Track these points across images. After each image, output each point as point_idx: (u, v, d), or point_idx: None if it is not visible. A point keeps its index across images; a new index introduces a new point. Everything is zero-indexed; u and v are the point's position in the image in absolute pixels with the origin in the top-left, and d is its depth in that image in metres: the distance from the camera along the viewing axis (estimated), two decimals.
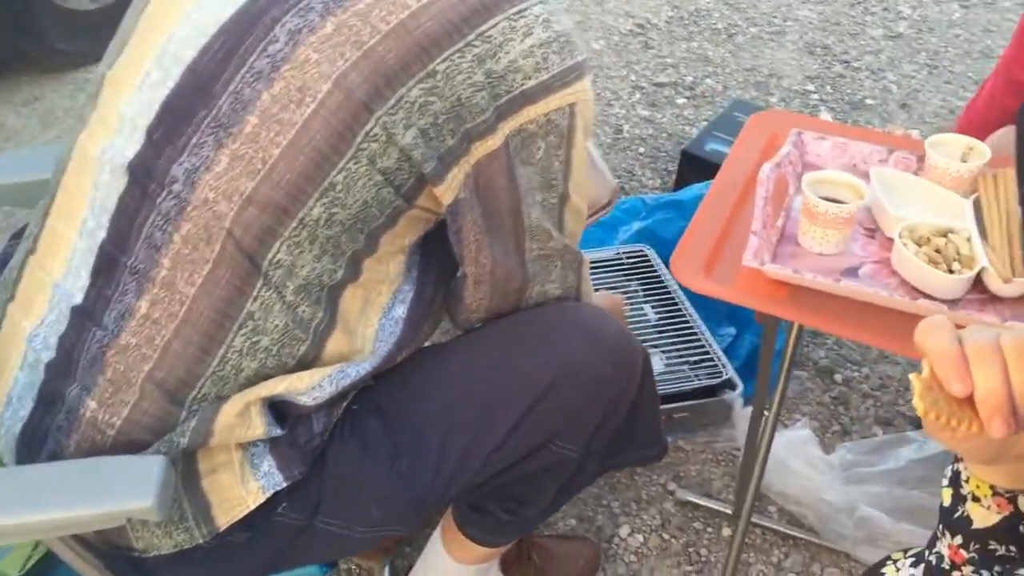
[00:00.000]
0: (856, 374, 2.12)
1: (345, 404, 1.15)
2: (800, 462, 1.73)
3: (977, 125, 1.76)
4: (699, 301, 2.02)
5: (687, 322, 2.03)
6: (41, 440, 1.07)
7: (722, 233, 1.24)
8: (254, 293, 1.02)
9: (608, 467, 1.33)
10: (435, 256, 1.15)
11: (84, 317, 1.06)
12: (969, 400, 0.63)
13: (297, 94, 0.98)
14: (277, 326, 1.04)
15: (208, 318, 1.03)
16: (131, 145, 1.04)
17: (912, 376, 0.65)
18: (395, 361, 1.16)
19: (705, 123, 2.92)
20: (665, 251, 2.16)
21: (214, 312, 1.02)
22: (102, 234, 1.05)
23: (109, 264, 1.05)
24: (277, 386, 1.06)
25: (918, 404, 0.64)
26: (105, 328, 1.05)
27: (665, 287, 2.10)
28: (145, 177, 1.03)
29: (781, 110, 2.89)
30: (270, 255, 1.01)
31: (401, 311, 1.14)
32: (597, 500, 1.81)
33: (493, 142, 1.02)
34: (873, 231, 1.27)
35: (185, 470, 1.06)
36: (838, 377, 2.13)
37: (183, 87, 1.03)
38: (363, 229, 1.04)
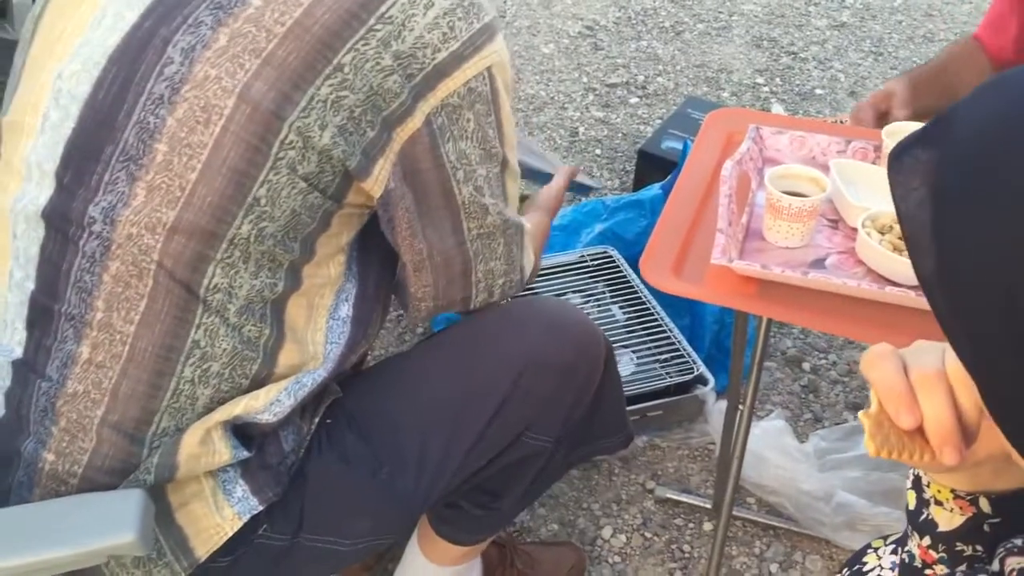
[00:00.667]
0: (824, 361, 2.14)
1: (318, 420, 1.14)
2: (776, 452, 1.74)
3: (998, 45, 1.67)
4: (662, 296, 2.01)
5: (655, 320, 2.04)
6: (3, 500, 1.04)
7: (688, 233, 1.24)
8: (196, 321, 1.00)
9: (575, 458, 1.34)
10: (373, 248, 1.13)
11: (27, 370, 1.03)
12: (920, 428, 0.63)
13: (202, 114, 0.96)
14: (225, 350, 1.02)
15: (153, 354, 1.00)
16: (43, 192, 1.02)
17: (860, 415, 0.65)
18: (350, 363, 1.15)
19: (659, 121, 2.92)
20: (628, 251, 2.17)
21: (158, 347, 1.00)
22: (31, 285, 1.03)
23: (43, 314, 1.02)
24: (234, 408, 1.03)
25: (869, 445, 0.64)
26: (50, 379, 1.02)
27: (631, 287, 2.10)
28: (63, 222, 1.01)
29: (736, 107, 2.89)
30: (206, 281, 0.99)
31: (346, 310, 1.12)
32: (577, 503, 1.80)
33: (413, 124, 1.00)
34: (836, 222, 1.28)
35: (156, 506, 1.03)
36: (806, 365, 2.14)
37: (84, 125, 1.00)
38: (296, 237, 1.02)
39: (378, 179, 1.02)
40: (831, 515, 1.70)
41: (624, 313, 2.07)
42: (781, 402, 2.05)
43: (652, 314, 2.05)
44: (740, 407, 1.35)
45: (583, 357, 1.21)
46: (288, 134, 0.96)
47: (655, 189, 2.25)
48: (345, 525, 1.13)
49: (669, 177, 2.25)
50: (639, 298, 2.09)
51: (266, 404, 1.05)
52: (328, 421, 1.14)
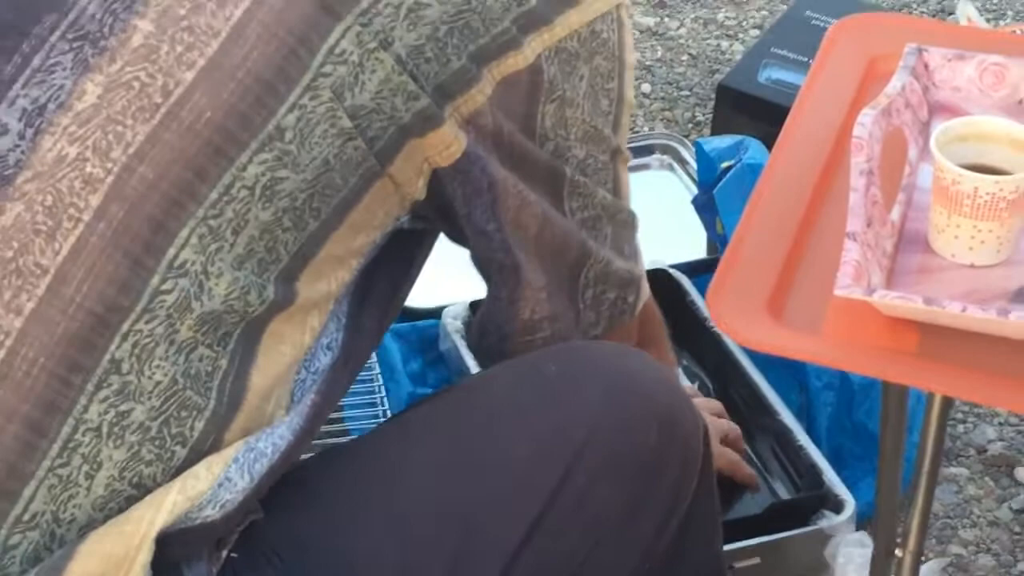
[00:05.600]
0: None
1: (226, 552, 1.05)
2: None
3: None
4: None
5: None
6: None
7: (795, 241, 1.11)
8: (125, 326, 0.93)
9: None
10: (379, 268, 1.09)
11: None
12: None
13: (46, 221, 0.95)
14: (159, 384, 0.95)
15: (45, 371, 0.92)
16: None
17: None
18: (312, 436, 1.07)
19: (756, 35, 2.79)
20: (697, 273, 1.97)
21: (56, 360, 0.93)
22: None
23: None
24: (167, 496, 0.94)
25: None
26: None
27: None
28: None
29: (887, 12, 2.75)
30: (171, 251, 0.93)
31: (328, 359, 1.07)
32: None
33: (515, 61, 1.01)
34: None
35: None
36: (1023, 473, 1.95)
37: None
38: (318, 210, 0.99)
39: (457, 133, 1.00)
40: None
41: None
42: (978, 540, 1.84)
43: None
44: (897, 553, 1.23)
45: (672, 442, 1.08)
46: (338, 43, 0.99)
47: (753, 149, 2.00)
48: None
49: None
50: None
51: (211, 486, 0.96)
52: (234, 556, 1.04)
